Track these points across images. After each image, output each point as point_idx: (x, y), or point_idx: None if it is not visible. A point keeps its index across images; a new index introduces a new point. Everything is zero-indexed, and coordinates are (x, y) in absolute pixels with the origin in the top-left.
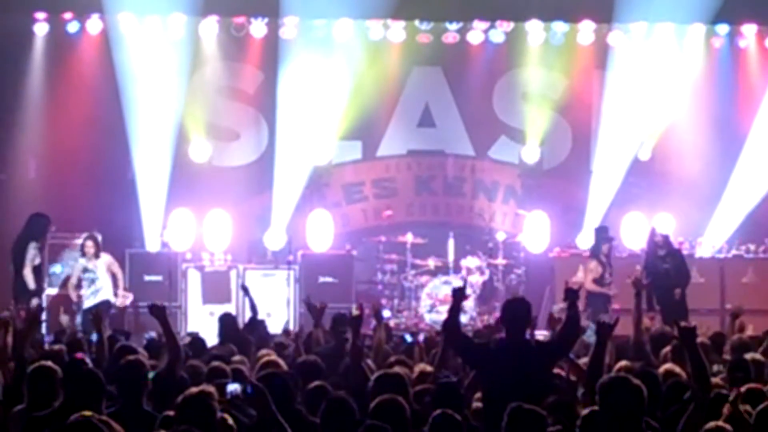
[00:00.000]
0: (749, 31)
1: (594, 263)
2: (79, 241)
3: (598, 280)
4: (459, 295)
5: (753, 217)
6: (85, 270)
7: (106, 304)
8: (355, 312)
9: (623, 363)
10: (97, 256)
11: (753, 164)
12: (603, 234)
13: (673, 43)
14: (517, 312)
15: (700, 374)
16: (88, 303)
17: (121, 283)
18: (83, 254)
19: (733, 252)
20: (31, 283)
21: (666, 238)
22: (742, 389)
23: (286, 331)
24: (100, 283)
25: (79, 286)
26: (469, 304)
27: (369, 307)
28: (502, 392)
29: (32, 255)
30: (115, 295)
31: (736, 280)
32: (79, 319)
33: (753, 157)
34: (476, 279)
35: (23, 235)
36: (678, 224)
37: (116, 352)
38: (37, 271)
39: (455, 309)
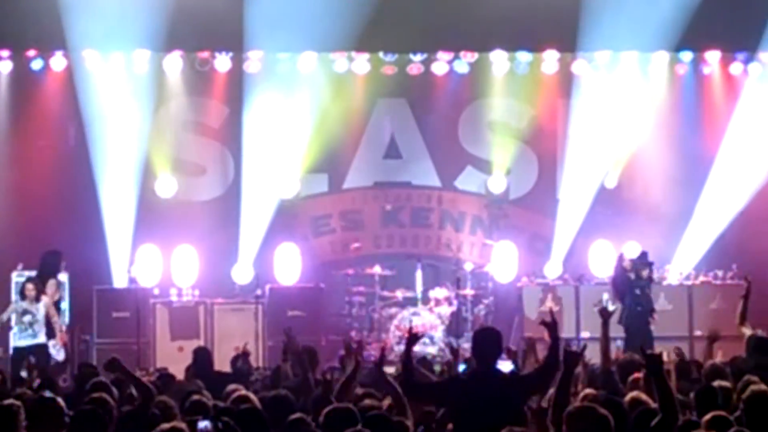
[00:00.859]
0: (713, 57)
1: None
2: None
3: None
4: (411, 341)
5: (720, 243)
6: (25, 312)
7: (43, 348)
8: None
9: (587, 391)
10: (38, 299)
11: (719, 190)
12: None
13: (637, 71)
14: (488, 342)
15: (666, 402)
16: (21, 342)
17: (56, 327)
18: (23, 297)
19: (701, 278)
20: (55, 317)
21: (635, 263)
22: (709, 415)
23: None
24: (38, 326)
25: (9, 327)
26: (438, 335)
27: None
28: (471, 423)
29: (52, 292)
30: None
31: (704, 307)
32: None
33: (719, 183)
34: (445, 310)
35: (41, 274)
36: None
37: (88, 389)
38: (57, 307)
39: (407, 359)
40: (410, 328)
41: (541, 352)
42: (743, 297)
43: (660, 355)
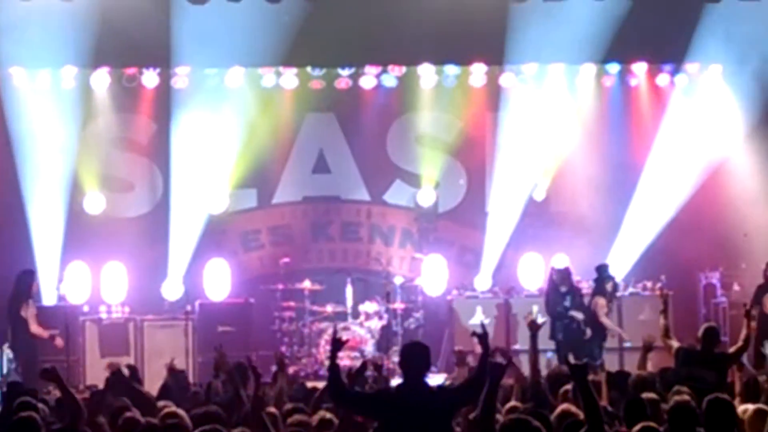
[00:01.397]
0: (639, 69)
1: (603, 300)
2: None
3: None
4: (336, 347)
5: (648, 254)
6: None
7: None
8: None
9: (513, 403)
10: None
11: (647, 202)
12: (605, 272)
13: (564, 83)
14: (415, 356)
15: (591, 412)
16: None
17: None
18: None
19: (630, 290)
20: (44, 334)
21: (565, 273)
22: (638, 426)
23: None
24: None
25: None
26: (368, 349)
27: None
28: None
29: (31, 311)
30: None
31: (633, 318)
32: None
33: (647, 194)
34: (375, 324)
35: (14, 296)
36: (574, 263)
37: (15, 408)
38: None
39: (333, 367)
40: (333, 335)
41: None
42: (662, 312)
43: (585, 366)
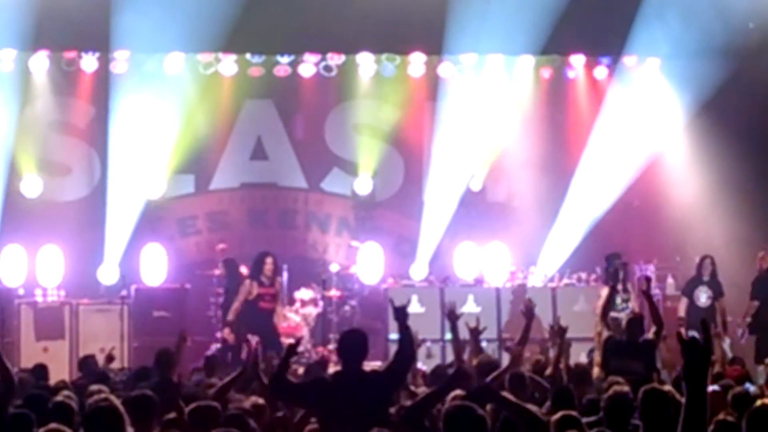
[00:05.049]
0: (577, 62)
1: (604, 289)
2: None
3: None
4: (291, 351)
5: (584, 246)
6: None
7: None
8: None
9: (458, 392)
10: None
11: (583, 193)
12: (612, 259)
13: (503, 74)
14: (354, 343)
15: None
16: None
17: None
18: None
19: (565, 281)
20: (230, 315)
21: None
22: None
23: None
24: None
25: None
26: (303, 336)
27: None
28: (339, 425)
29: (245, 289)
30: None
31: (568, 309)
32: None
33: (583, 186)
34: (310, 311)
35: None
36: (511, 254)
37: None
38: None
39: (284, 365)
40: (290, 342)
41: None
42: (645, 293)
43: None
